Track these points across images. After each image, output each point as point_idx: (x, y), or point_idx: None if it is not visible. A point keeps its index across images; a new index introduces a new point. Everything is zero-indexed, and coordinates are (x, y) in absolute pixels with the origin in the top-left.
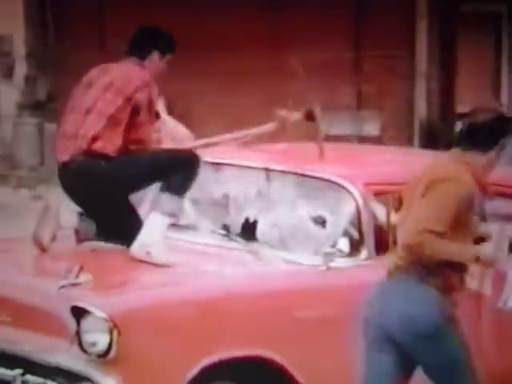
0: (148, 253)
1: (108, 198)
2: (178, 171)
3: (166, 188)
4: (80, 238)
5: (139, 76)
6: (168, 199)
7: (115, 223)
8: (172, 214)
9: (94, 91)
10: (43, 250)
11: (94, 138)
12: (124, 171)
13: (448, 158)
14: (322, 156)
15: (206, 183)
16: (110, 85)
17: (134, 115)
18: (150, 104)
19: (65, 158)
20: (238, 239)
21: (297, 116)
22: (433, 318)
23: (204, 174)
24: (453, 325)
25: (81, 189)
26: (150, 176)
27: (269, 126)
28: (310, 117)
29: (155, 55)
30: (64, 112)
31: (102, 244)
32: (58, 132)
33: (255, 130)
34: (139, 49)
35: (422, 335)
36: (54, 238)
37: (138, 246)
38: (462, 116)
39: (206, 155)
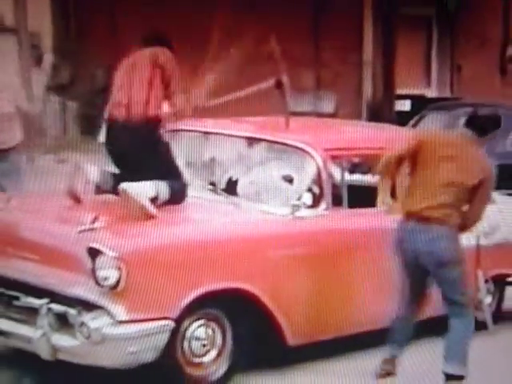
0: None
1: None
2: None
3: (169, 180)
4: (99, 190)
5: None
6: (163, 185)
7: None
8: (154, 195)
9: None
10: (78, 201)
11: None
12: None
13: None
14: (289, 127)
15: (197, 148)
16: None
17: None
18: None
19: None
20: (223, 193)
21: (270, 82)
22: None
23: (196, 141)
24: None
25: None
26: (161, 166)
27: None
28: (279, 85)
29: None
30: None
31: (115, 197)
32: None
33: (255, 88)
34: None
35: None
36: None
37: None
38: (401, 97)
39: (198, 125)
